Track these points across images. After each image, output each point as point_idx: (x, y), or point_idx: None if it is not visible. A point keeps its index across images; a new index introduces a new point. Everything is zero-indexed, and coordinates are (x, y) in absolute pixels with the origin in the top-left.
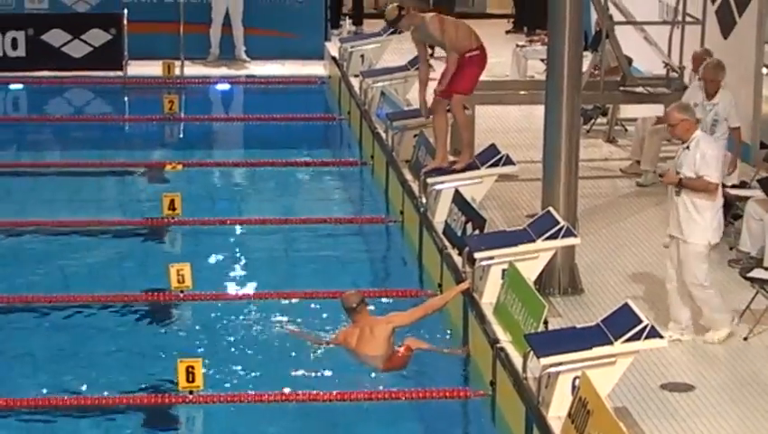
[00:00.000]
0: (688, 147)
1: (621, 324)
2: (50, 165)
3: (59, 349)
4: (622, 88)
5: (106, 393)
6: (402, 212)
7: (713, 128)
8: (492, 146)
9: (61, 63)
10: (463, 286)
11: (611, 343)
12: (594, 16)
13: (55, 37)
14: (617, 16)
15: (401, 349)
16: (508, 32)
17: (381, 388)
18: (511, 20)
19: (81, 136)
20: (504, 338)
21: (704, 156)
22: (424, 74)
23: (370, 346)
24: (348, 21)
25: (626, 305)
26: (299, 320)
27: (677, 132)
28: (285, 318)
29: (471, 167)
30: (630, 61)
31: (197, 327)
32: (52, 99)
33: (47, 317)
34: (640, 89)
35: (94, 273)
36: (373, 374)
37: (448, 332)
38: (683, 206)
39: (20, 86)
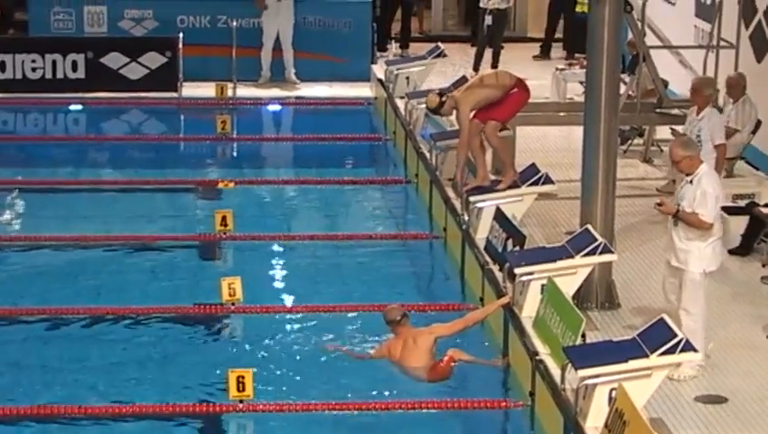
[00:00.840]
0: (690, 182)
1: (656, 337)
2: (107, 183)
3: (113, 359)
4: (658, 110)
5: (159, 402)
6: (445, 229)
7: (698, 145)
8: (533, 165)
9: (119, 85)
10: (504, 300)
11: (647, 356)
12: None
13: (113, 60)
14: (653, 40)
15: (444, 360)
16: (535, 57)
17: (424, 398)
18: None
19: (137, 154)
20: (543, 351)
21: (703, 194)
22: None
23: (414, 357)
24: (394, 44)
25: (662, 319)
26: (345, 332)
27: (681, 168)
28: (331, 331)
29: (511, 186)
30: (666, 83)
31: (247, 339)
32: (110, 120)
33: (103, 328)
34: (675, 111)
35: (149, 286)
36: (416, 385)
37: (489, 344)
38: (678, 236)
39: (79, 106)
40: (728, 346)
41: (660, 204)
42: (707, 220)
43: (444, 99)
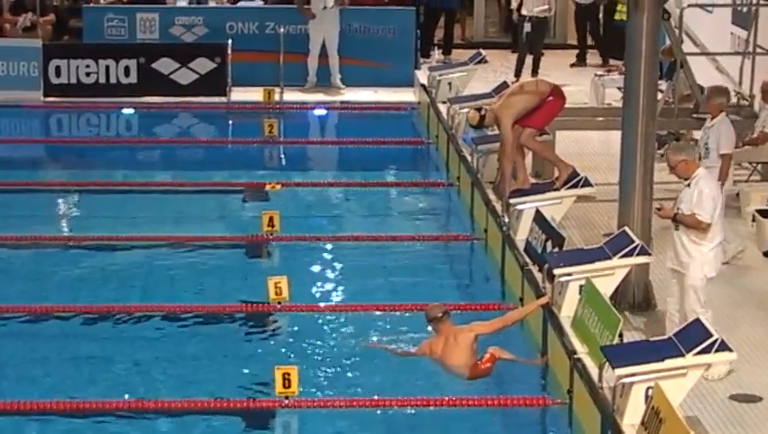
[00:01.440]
0: (688, 185)
1: (692, 337)
2: (158, 185)
3: (163, 355)
4: (694, 115)
5: (207, 397)
6: (486, 231)
7: (706, 152)
8: (572, 168)
9: (170, 90)
10: (543, 300)
11: (682, 355)
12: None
13: (164, 65)
14: (690, 47)
15: (485, 358)
16: (572, 65)
17: (464, 395)
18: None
19: (187, 157)
20: (581, 350)
21: (700, 195)
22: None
23: (455, 354)
24: (437, 51)
25: (697, 319)
26: (388, 330)
27: (677, 172)
28: (374, 329)
29: (552, 187)
30: (702, 89)
31: (293, 336)
32: (161, 123)
33: (152, 326)
34: None
35: (197, 285)
36: (456, 382)
37: (528, 343)
38: (679, 241)
39: (131, 110)
40: (763, 346)
41: (659, 209)
42: (704, 219)
43: (483, 113)
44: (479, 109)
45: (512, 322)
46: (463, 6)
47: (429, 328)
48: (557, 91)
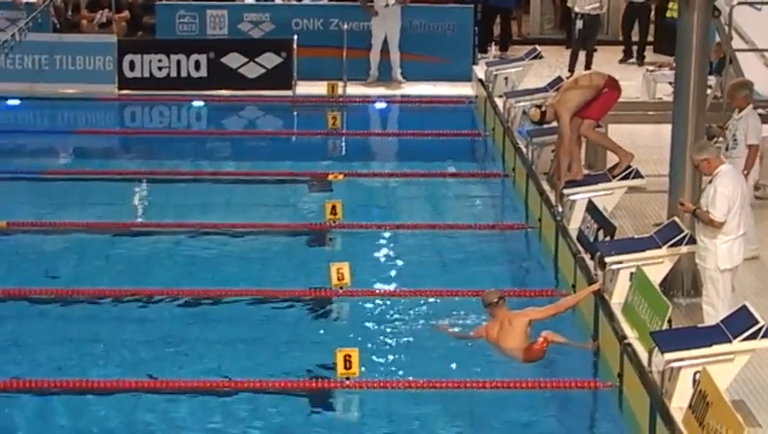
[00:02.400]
0: (710, 181)
1: (739, 324)
2: (226, 174)
3: (231, 338)
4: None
5: (271, 378)
6: (540, 220)
7: (734, 144)
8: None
9: (238, 83)
10: (594, 287)
11: (729, 341)
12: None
13: (233, 60)
14: (739, 43)
15: (539, 342)
16: (620, 61)
17: (518, 377)
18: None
19: (254, 148)
20: (631, 335)
21: (715, 194)
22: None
23: (510, 338)
24: (494, 46)
25: (744, 307)
26: (446, 315)
27: (701, 170)
28: (432, 314)
29: (604, 179)
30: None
31: (354, 320)
32: (229, 115)
33: (220, 309)
34: (759, 111)
35: (263, 271)
36: (511, 365)
37: (580, 328)
38: (698, 233)
39: (201, 103)
40: None
41: (681, 204)
42: (716, 218)
43: (543, 109)
44: (539, 106)
45: (565, 308)
46: (519, 4)
47: (485, 313)
48: (611, 83)
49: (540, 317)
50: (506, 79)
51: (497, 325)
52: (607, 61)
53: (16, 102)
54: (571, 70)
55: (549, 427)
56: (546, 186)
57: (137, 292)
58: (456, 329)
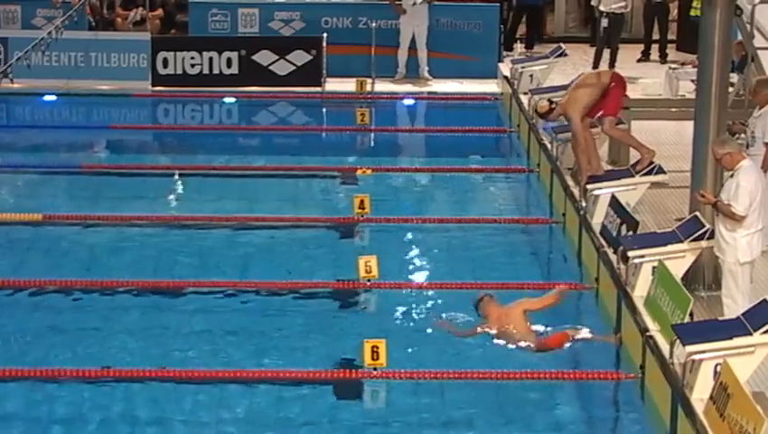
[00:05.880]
0: (732, 175)
1: (759, 317)
2: (257, 169)
3: (260, 329)
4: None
5: (300, 368)
6: (564, 214)
7: (752, 141)
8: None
9: (268, 80)
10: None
11: (750, 334)
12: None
13: (264, 57)
14: (761, 42)
15: (556, 335)
16: (639, 60)
17: (542, 369)
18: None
19: (284, 143)
20: (653, 327)
21: (737, 188)
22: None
23: (509, 332)
24: (520, 45)
25: (764, 300)
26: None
27: (723, 164)
28: (457, 306)
29: (627, 174)
30: None
31: (381, 312)
32: (260, 112)
33: (248, 300)
34: None
35: (293, 263)
36: (536, 356)
37: (603, 321)
38: (718, 227)
39: (233, 99)
40: None
41: (702, 195)
42: (738, 212)
43: (553, 105)
44: (550, 102)
45: (558, 300)
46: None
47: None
48: (617, 78)
49: (536, 308)
50: (531, 76)
51: (494, 322)
52: (629, 59)
53: (53, 98)
54: (595, 67)
55: (573, 417)
56: (570, 182)
57: (170, 284)
58: (459, 322)
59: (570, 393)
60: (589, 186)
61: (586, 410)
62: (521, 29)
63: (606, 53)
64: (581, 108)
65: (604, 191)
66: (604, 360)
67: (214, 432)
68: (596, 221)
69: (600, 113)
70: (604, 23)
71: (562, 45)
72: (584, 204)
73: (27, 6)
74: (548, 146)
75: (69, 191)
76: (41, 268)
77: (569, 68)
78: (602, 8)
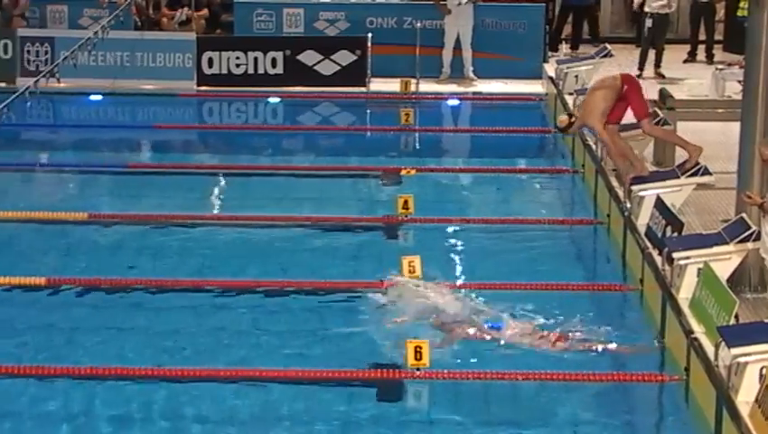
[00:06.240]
0: None
1: None
2: (301, 169)
3: (304, 329)
4: None
5: (343, 367)
6: (609, 215)
7: None
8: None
9: (313, 80)
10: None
11: None
12: None
13: (308, 57)
14: None
15: None
16: (685, 61)
17: (586, 370)
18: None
19: (329, 143)
20: (698, 330)
21: None
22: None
23: None
24: (565, 45)
25: None
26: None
27: None
28: (500, 307)
29: (672, 175)
30: None
31: (425, 312)
32: (304, 112)
33: (295, 300)
34: None
35: (336, 263)
36: (580, 357)
37: (647, 323)
38: (764, 227)
39: (277, 99)
40: None
41: (748, 196)
42: None
43: (572, 120)
44: (570, 115)
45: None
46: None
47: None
48: (627, 79)
49: None
50: (576, 76)
51: None
52: (675, 59)
53: (99, 97)
54: (641, 68)
55: (617, 418)
56: (614, 183)
57: (214, 283)
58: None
59: (614, 395)
60: (634, 187)
61: (630, 413)
62: (567, 29)
63: (652, 54)
64: (599, 116)
65: (649, 192)
66: (649, 362)
67: (258, 431)
68: (641, 222)
69: (621, 120)
70: (648, 23)
71: (607, 46)
72: (628, 205)
73: (74, 6)
74: (593, 146)
75: (114, 190)
76: (86, 266)
77: (615, 68)
78: (646, 8)
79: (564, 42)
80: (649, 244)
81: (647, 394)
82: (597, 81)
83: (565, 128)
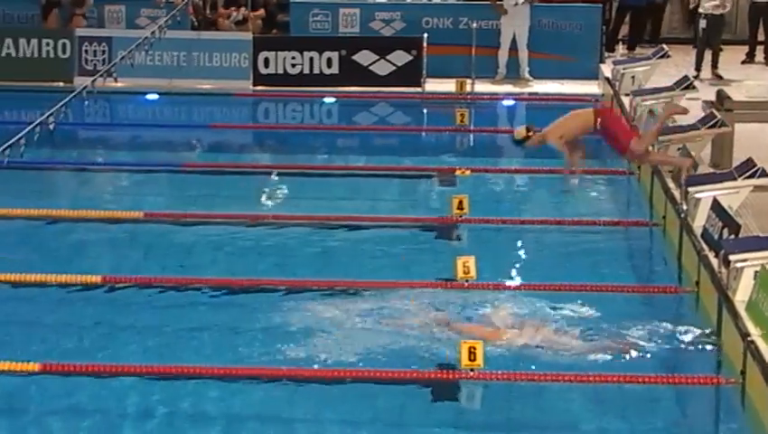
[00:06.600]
0: None
1: None
2: (356, 169)
3: (360, 327)
4: None
5: (396, 368)
6: (664, 217)
7: None
8: (750, 159)
9: (368, 80)
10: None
11: None
12: None
13: (364, 57)
14: None
15: None
16: (743, 62)
17: (641, 372)
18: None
19: (383, 143)
20: (755, 332)
21: None
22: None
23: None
24: (622, 45)
25: None
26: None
27: None
28: (555, 308)
29: (729, 177)
30: None
31: (479, 312)
32: (359, 112)
33: (350, 300)
34: None
35: (390, 263)
36: (636, 359)
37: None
38: None
39: (333, 99)
40: None
41: None
42: None
43: (531, 133)
44: (528, 129)
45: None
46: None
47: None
48: (601, 113)
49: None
50: (633, 77)
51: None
52: (733, 60)
53: (155, 97)
54: (697, 69)
55: (672, 421)
56: (670, 184)
57: (269, 283)
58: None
59: (669, 398)
60: (690, 189)
61: (686, 416)
62: (623, 30)
63: (709, 55)
64: (559, 132)
65: (705, 194)
66: (704, 364)
67: (315, 430)
68: (697, 224)
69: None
70: (703, 23)
71: (665, 46)
72: (685, 207)
73: (131, 6)
74: (649, 147)
75: (169, 189)
76: (141, 265)
77: (672, 69)
78: (700, 9)
79: (621, 42)
80: (705, 246)
81: (703, 397)
82: (573, 112)
83: (521, 141)
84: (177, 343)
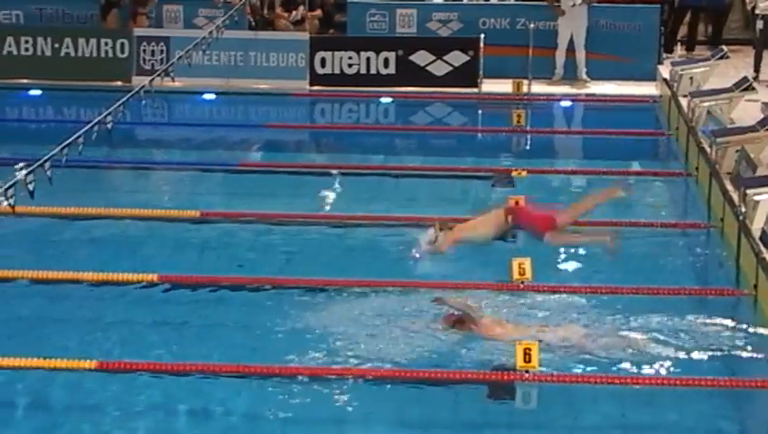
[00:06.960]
0: None
1: None
2: (412, 169)
3: (412, 328)
4: None
5: (449, 368)
6: (722, 219)
7: None
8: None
9: (425, 80)
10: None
11: None
12: None
13: (421, 57)
14: None
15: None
16: None
17: (698, 375)
18: None
19: (440, 144)
20: None
21: None
22: None
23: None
24: (680, 46)
25: None
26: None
27: None
28: (609, 311)
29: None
30: None
31: (535, 314)
32: (416, 112)
33: (406, 300)
34: None
35: (448, 263)
36: (692, 362)
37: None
38: None
39: (389, 99)
40: None
41: None
42: None
43: (438, 233)
44: (442, 228)
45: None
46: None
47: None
48: (510, 211)
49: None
50: (691, 78)
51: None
52: None
53: (212, 96)
54: (756, 70)
55: (731, 424)
56: (729, 186)
57: (322, 283)
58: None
59: (726, 401)
60: (749, 191)
61: (746, 419)
62: (682, 30)
63: (767, 57)
64: (465, 234)
65: (764, 196)
66: (763, 367)
67: (362, 430)
68: (756, 226)
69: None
70: (759, 24)
71: (723, 47)
72: (743, 209)
73: (189, 6)
74: (707, 149)
75: (225, 188)
76: (197, 264)
77: (731, 70)
78: (757, 10)
79: (679, 43)
80: (763, 249)
81: (762, 400)
82: (481, 217)
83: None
84: (233, 341)
